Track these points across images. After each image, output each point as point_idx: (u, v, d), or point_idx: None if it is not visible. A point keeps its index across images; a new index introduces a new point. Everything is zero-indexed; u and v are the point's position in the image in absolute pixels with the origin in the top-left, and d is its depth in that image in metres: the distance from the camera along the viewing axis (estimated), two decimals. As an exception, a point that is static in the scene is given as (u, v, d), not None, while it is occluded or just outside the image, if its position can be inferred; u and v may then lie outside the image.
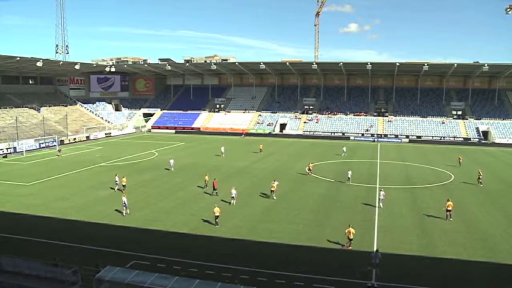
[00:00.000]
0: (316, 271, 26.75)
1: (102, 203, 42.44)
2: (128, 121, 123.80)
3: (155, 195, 45.42)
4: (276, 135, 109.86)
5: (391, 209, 41.11)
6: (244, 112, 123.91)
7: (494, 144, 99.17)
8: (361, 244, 31.44)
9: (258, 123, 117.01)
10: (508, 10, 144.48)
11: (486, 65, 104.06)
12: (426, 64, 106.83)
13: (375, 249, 29.54)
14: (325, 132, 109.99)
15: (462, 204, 42.97)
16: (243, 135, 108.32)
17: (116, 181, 48.39)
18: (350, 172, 53.61)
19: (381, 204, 41.66)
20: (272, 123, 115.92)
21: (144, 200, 43.31)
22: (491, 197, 46.78)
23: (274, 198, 44.04)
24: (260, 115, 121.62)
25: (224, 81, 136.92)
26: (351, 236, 30.55)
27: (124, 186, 47.03)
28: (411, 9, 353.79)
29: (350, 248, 30.60)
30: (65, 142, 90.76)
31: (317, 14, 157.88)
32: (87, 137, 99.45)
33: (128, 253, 29.30)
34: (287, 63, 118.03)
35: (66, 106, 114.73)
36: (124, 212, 38.21)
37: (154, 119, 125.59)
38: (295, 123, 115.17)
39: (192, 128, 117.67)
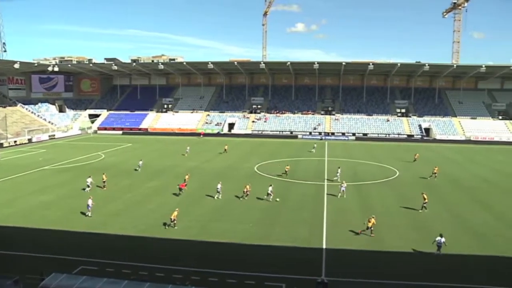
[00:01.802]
0: (267, 270, 26.85)
1: (47, 207, 40.94)
2: (73, 123, 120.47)
3: (104, 198, 44.13)
4: (224, 135, 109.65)
5: (340, 205, 41.90)
6: (192, 112, 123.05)
7: (435, 141, 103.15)
8: (310, 241, 31.87)
9: (207, 123, 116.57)
10: (445, 13, 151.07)
11: (427, 65, 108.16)
12: (371, 64, 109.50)
13: (324, 246, 30.13)
14: (273, 131, 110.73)
15: (407, 199, 44.25)
16: (201, 136, 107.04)
17: (87, 182, 47.17)
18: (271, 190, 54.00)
19: (344, 195, 43.00)
20: (220, 123, 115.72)
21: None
22: (435, 192, 48.41)
23: (246, 198, 44.04)
24: (208, 115, 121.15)
25: (172, 81, 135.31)
26: (370, 225, 32.83)
27: (104, 182, 47.89)
28: (356, 9, 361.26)
29: (373, 235, 32.64)
30: (4, 146, 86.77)
31: (265, 13, 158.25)
32: (29, 140, 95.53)
33: (75, 258, 28.37)
34: (235, 62, 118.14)
35: (4, 107, 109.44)
36: (87, 213, 37.41)
37: (100, 120, 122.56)
38: (244, 122, 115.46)
39: (140, 129, 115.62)
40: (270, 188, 43.82)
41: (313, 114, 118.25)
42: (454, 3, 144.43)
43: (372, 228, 32.82)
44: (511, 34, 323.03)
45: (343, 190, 44.47)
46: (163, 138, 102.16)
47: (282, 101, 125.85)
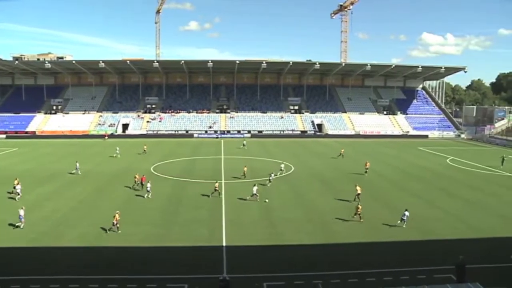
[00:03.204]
0: (168, 271, 26.52)
1: None
2: None
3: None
4: (118, 136, 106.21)
5: (238, 202, 42.28)
6: (84, 113, 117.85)
7: (327, 136, 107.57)
8: (210, 240, 31.89)
9: (100, 124, 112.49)
10: (333, 15, 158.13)
11: (317, 63, 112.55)
12: (264, 62, 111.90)
13: (224, 244, 30.26)
14: (168, 130, 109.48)
15: (302, 193, 45.61)
16: (106, 138, 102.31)
17: (15, 187, 43.76)
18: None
19: (257, 199, 42.67)
20: (114, 124, 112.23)
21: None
22: (326, 184, 50.42)
23: (218, 196, 43.75)
24: (101, 115, 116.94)
25: (61, 80, 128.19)
26: (359, 212, 36.20)
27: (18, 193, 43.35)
28: (249, 7, 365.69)
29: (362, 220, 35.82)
30: None
31: (158, 11, 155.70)
32: None
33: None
34: (128, 61, 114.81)
35: None
36: (21, 225, 33.92)
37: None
38: (138, 122, 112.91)
39: (26, 132, 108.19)
40: (255, 188, 43.30)
41: (208, 112, 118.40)
42: (341, 5, 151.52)
43: (360, 213, 36.20)
44: (392, 35, 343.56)
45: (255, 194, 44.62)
46: (54, 142, 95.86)
47: (177, 100, 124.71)
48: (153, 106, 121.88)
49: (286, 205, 41.65)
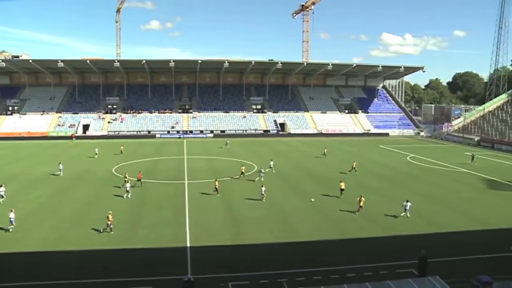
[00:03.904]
0: (133, 274, 26.26)
1: None
2: None
3: None
4: (79, 137, 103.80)
5: (201, 203, 42.11)
6: (42, 114, 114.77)
7: (290, 135, 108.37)
8: (175, 241, 31.69)
9: (59, 125, 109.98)
10: (294, 14, 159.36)
11: (279, 63, 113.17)
12: (226, 62, 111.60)
13: (188, 244, 30.15)
14: (130, 131, 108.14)
15: (267, 191, 45.69)
16: (73, 139, 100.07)
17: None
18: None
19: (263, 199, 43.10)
20: (74, 125, 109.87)
21: None
22: (290, 183, 50.77)
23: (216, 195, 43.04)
24: (60, 116, 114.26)
25: (17, 80, 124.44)
26: (362, 204, 38.58)
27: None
28: (210, 7, 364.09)
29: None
30: None
31: (118, 10, 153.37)
32: None
33: None
34: (88, 61, 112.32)
35: None
36: (10, 228, 32.99)
37: None
38: (99, 123, 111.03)
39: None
40: (263, 189, 43.35)
41: (170, 112, 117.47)
42: (302, 5, 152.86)
43: (362, 206, 38.53)
44: (353, 35, 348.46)
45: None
46: (10, 144, 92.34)
47: (139, 101, 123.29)
48: (114, 106, 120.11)
49: (250, 204, 41.75)
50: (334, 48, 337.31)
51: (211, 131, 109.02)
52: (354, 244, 31.76)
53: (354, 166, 59.18)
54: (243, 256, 29.37)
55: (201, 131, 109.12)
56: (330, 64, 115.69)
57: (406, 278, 21.41)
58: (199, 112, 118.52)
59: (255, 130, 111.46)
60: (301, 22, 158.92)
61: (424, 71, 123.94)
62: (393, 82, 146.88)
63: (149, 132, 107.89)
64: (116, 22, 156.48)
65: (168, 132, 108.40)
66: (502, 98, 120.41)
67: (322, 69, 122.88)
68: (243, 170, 54.39)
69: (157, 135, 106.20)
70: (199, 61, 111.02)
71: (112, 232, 32.78)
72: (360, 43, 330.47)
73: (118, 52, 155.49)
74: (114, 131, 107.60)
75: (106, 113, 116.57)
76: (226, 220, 36.65)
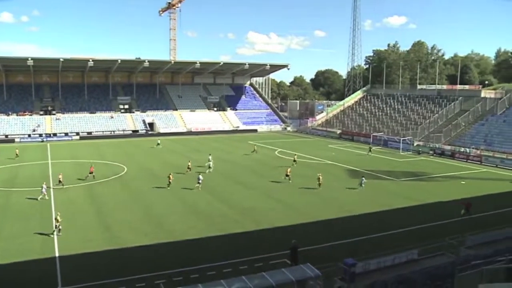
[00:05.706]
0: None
1: None
2: None
3: None
4: None
5: (70, 208, 40.11)
6: None
7: (159, 134, 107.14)
8: (43, 251, 29.94)
9: None
10: (161, 12, 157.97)
11: (146, 61, 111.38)
12: (91, 60, 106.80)
13: (57, 254, 28.78)
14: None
15: (137, 193, 45.09)
16: None
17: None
18: None
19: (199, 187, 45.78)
20: None
21: None
22: (161, 183, 50.27)
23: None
24: None
25: None
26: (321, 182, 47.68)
27: None
28: (72, 2, 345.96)
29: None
30: None
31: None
32: None
33: None
34: None
35: None
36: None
37: None
38: None
39: None
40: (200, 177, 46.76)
41: (30, 114, 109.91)
42: (169, 2, 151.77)
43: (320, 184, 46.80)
44: (221, 34, 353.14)
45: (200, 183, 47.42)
46: None
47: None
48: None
49: (121, 207, 40.84)
50: (202, 47, 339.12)
51: (77, 133, 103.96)
52: (227, 240, 32.50)
53: (295, 159, 63.54)
54: (117, 260, 28.69)
55: (66, 134, 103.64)
56: (198, 62, 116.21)
57: (280, 268, 22.36)
58: (63, 114, 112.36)
59: (124, 130, 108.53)
60: (168, 20, 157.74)
61: (289, 69, 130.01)
62: (260, 79, 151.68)
63: (6, 136, 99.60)
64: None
65: (29, 135, 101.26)
66: (359, 94, 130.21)
67: (190, 67, 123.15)
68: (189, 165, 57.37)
69: (17, 139, 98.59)
70: (61, 60, 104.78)
71: (60, 234, 31.40)
72: (227, 41, 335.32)
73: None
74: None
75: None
76: (97, 224, 35.52)
